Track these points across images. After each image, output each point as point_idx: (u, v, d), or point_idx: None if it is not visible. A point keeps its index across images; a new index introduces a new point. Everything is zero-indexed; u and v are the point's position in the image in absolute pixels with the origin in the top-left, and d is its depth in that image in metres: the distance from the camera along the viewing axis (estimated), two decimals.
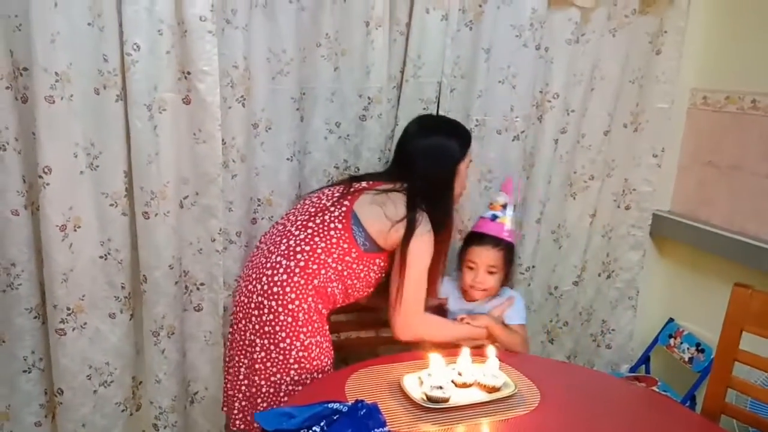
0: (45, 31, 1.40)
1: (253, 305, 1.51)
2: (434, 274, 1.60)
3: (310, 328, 1.49)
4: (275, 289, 1.48)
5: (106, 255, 1.62)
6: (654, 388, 2.08)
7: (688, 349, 2.12)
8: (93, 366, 1.65)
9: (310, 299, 1.49)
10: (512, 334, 1.66)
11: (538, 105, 1.97)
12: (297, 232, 1.55)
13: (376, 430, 1.11)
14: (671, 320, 2.24)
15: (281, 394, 1.50)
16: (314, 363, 1.50)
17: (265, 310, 1.48)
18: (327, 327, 1.56)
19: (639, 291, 2.28)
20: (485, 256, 1.66)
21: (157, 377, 1.74)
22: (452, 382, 1.30)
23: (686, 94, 2.16)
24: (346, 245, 1.53)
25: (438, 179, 1.61)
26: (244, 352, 1.54)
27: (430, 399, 1.24)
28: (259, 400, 1.52)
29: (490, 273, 1.68)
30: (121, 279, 1.66)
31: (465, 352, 1.37)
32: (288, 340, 1.47)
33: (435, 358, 1.32)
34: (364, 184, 1.63)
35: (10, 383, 1.62)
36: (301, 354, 1.48)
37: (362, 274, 1.57)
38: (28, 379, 1.62)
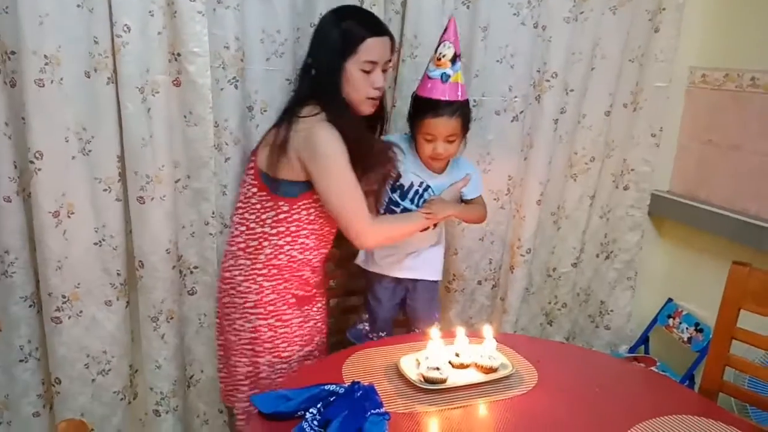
0: (33, 13, 1.38)
1: (218, 291, 1.64)
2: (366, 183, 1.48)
3: (262, 311, 1.51)
4: (225, 275, 1.58)
5: (100, 241, 1.61)
6: (653, 368, 2.08)
7: (687, 329, 2.12)
8: (90, 355, 1.65)
9: (260, 279, 1.50)
10: (472, 209, 1.66)
11: (535, 84, 1.94)
12: (234, 218, 1.59)
13: (372, 411, 1.10)
14: (670, 300, 2.24)
15: (241, 377, 1.56)
16: (267, 347, 1.52)
17: (222, 294, 1.60)
18: (295, 313, 1.53)
19: (637, 271, 2.27)
20: (443, 127, 1.53)
21: (157, 362, 1.73)
22: (449, 363, 1.30)
23: (685, 73, 2.14)
24: (271, 203, 1.49)
25: (320, 70, 1.46)
26: (217, 334, 1.66)
27: (427, 380, 1.24)
28: (240, 377, 1.58)
29: (450, 142, 1.56)
30: (116, 265, 1.64)
31: (461, 332, 1.36)
32: (239, 322, 1.53)
33: (433, 339, 1.32)
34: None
35: (7, 373, 1.61)
36: (250, 336, 1.52)
37: (312, 218, 1.50)
38: (24, 369, 1.61)
